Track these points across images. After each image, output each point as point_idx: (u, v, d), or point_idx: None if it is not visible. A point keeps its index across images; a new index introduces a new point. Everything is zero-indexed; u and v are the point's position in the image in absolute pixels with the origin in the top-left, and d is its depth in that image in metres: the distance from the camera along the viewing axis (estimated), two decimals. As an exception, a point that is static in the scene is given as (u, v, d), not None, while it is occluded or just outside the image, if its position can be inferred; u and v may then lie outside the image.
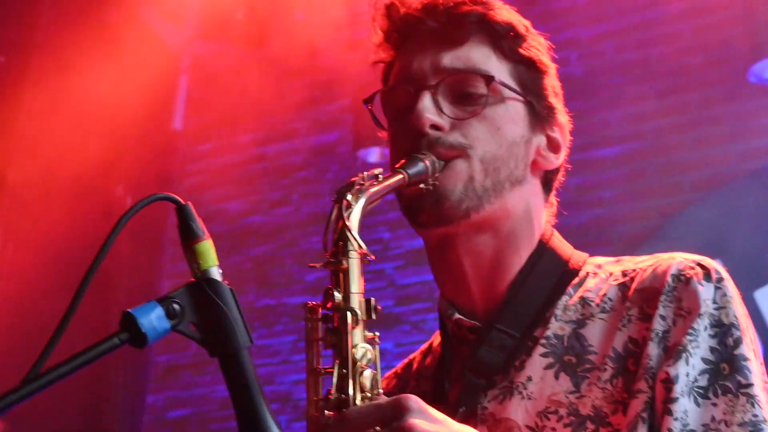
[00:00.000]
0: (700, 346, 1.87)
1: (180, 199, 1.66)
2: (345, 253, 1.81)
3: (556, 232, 2.14)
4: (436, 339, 2.22)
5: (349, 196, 1.84)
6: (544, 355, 1.98)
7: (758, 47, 5.47)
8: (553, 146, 2.13)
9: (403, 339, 6.25)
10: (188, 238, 1.64)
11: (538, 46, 2.13)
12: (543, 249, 2.09)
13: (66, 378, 1.54)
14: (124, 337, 1.57)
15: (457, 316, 2.07)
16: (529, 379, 1.97)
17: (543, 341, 1.99)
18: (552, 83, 2.14)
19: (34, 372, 1.52)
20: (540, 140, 2.11)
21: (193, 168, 7.18)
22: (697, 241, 5.05)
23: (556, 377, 1.95)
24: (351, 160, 6.56)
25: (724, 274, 1.95)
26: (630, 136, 5.92)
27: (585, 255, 2.13)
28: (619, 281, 2.02)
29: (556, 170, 2.16)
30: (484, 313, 2.06)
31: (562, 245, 2.13)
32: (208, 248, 1.64)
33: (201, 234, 1.64)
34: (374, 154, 6.52)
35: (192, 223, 1.64)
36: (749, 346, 1.89)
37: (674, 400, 1.83)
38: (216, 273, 1.64)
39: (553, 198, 2.18)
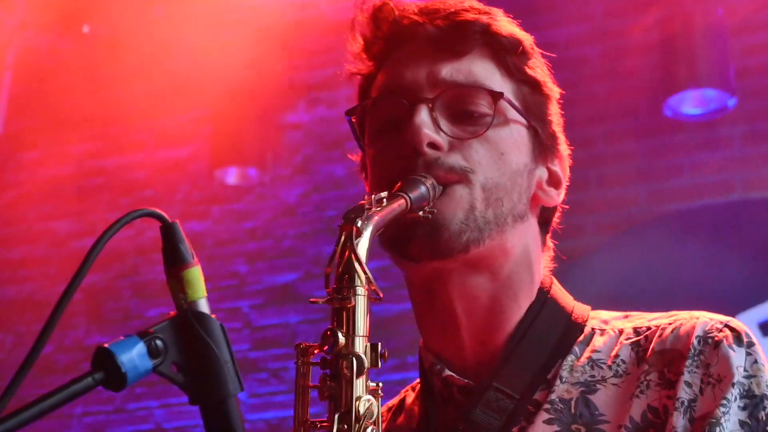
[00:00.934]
0: (730, 419, 1.86)
1: (166, 216, 1.61)
2: (351, 288, 1.74)
3: (555, 281, 2.12)
4: (408, 395, 2.19)
5: (359, 223, 1.77)
6: (548, 422, 1.94)
7: (675, 77, 5.59)
8: (554, 181, 2.12)
9: (259, 389, 6.17)
10: (175, 263, 1.59)
11: (543, 67, 2.13)
12: (544, 299, 2.07)
13: (30, 423, 1.47)
14: (99, 377, 1.51)
15: (448, 373, 2.02)
16: None
17: (547, 406, 1.96)
18: (555, 110, 2.13)
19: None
20: (542, 173, 2.09)
21: (14, 178, 6.96)
22: (599, 290, 5.13)
23: None
24: (206, 180, 6.47)
25: (754, 338, 1.95)
26: (526, 169, 5.97)
27: (588, 308, 2.11)
28: (632, 340, 2.01)
29: (554, 209, 2.15)
30: (477, 369, 2.02)
31: (563, 296, 2.11)
32: (197, 276, 1.59)
33: (190, 259, 1.59)
34: (233, 175, 6.45)
35: (180, 246, 1.59)
36: None
37: None
38: (205, 305, 1.59)
39: (549, 241, 2.16)
